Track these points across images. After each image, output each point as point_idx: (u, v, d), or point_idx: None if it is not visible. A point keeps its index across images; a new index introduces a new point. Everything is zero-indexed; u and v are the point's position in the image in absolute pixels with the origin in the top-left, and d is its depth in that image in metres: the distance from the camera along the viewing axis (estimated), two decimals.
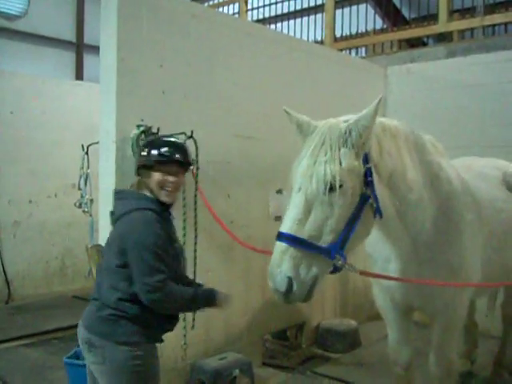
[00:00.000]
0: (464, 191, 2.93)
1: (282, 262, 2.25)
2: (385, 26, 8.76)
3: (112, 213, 2.68)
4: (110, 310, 2.49)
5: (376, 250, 2.99)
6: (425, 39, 10.79)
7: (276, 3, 8.67)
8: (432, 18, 7.77)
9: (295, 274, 2.25)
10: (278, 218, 4.89)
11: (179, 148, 2.72)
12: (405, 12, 9.57)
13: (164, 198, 2.63)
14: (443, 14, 6.13)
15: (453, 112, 5.72)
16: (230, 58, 4.38)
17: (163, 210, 2.63)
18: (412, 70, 6.17)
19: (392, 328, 3.28)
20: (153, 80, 3.79)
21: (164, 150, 2.65)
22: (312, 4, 8.26)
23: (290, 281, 2.24)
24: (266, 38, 4.74)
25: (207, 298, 2.62)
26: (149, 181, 2.60)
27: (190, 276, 3.24)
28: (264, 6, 8.96)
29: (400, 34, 6.80)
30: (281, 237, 2.29)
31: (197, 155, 3.77)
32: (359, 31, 8.09)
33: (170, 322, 2.66)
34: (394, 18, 8.93)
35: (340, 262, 2.30)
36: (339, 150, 2.33)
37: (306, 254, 2.27)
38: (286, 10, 8.67)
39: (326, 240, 2.28)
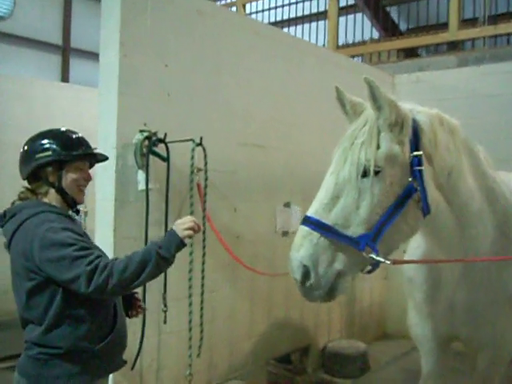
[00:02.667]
0: None
1: (300, 248, 2.01)
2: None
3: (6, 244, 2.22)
4: (38, 347, 2.09)
5: (421, 273, 2.68)
6: (419, 50, 10.67)
7: (276, 8, 8.38)
8: (428, 28, 7.59)
9: (313, 264, 2.00)
10: (286, 234, 4.56)
11: (84, 139, 2.37)
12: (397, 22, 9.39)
13: (81, 197, 2.31)
14: (454, 22, 5.90)
15: (465, 123, 5.43)
16: (237, 59, 4.04)
17: (67, 210, 2.29)
18: (421, 78, 5.90)
19: (428, 360, 2.94)
20: (157, 81, 3.43)
21: (76, 142, 2.30)
22: (314, 10, 7.98)
23: (306, 269, 2.00)
24: (275, 39, 4.42)
25: (168, 240, 2.13)
26: (55, 182, 2.22)
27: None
28: (263, 10, 8.65)
29: (408, 41, 6.56)
30: (306, 220, 2.07)
31: (206, 164, 3.43)
32: (361, 39, 7.82)
33: (119, 343, 2.26)
34: (391, 29, 8.74)
35: (371, 255, 2.01)
36: (379, 132, 2.09)
37: (331, 242, 2.01)
38: (286, 16, 8.38)
39: (354, 231, 2.03)
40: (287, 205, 4.57)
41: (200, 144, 3.34)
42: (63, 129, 2.38)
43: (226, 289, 3.99)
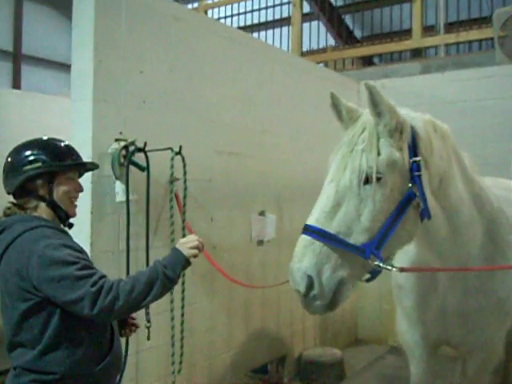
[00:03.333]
0: (503, 214, 2.66)
1: (303, 257, 1.95)
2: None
3: None
4: (30, 374, 1.92)
5: (410, 279, 2.67)
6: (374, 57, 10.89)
7: (238, 14, 8.32)
8: (382, 36, 7.73)
9: (317, 273, 1.94)
10: (261, 243, 4.50)
11: (72, 147, 2.27)
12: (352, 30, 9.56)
13: (74, 210, 2.19)
14: (417, 29, 6.01)
15: None
16: (213, 66, 3.96)
17: (60, 225, 2.16)
18: (387, 85, 5.95)
19: (417, 366, 2.93)
20: (133, 87, 3.30)
21: (65, 150, 2.18)
22: (277, 16, 7.98)
23: (310, 280, 1.94)
24: (249, 46, 4.36)
25: (173, 260, 2.07)
26: (46, 195, 2.07)
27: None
28: (225, 17, 8.56)
29: (373, 49, 6.63)
30: (306, 229, 2.02)
31: (185, 173, 3.32)
32: (325, 46, 7.88)
33: (115, 365, 2.14)
34: (345, 36, 8.89)
35: (376, 263, 1.99)
36: (378, 139, 2.07)
37: (334, 251, 1.97)
38: (249, 22, 8.33)
39: (357, 239, 2.00)
40: (262, 213, 4.50)
41: (179, 153, 3.23)
42: (47, 138, 2.23)
43: (205, 301, 3.89)
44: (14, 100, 7.10)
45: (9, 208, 2.11)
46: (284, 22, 7.94)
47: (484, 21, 7.27)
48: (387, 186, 2.04)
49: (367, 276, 2.16)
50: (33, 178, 2.07)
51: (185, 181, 3.31)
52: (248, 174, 4.35)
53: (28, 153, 2.10)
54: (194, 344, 3.74)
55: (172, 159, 3.21)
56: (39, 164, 2.07)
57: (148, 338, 3.09)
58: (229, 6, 8.14)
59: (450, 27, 7.27)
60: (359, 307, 6.17)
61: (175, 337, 3.23)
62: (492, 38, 5.50)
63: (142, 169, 3.10)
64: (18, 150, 2.14)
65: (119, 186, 3.04)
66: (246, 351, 4.33)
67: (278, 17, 7.93)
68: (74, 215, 2.20)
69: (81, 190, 2.23)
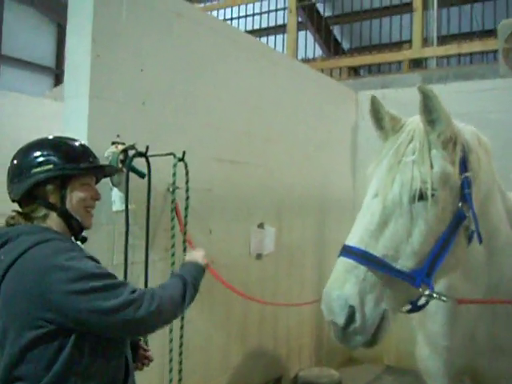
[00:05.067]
0: None
1: (344, 284, 1.68)
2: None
3: None
4: None
5: (435, 303, 2.44)
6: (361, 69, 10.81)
7: (231, 19, 8.09)
8: (371, 48, 7.60)
9: (360, 303, 1.68)
10: (259, 257, 4.24)
11: (89, 148, 1.99)
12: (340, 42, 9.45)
13: (90, 221, 1.91)
14: (417, 40, 5.87)
15: None
16: (214, 68, 3.71)
17: (72, 237, 1.91)
18: (387, 95, 5.77)
19: None
20: (132, 86, 3.03)
21: (80, 151, 1.89)
22: (272, 24, 7.79)
23: (352, 311, 1.67)
24: (251, 48, 4.12)
25: (191, 269, 2.08)
26: (57, 203, 1.79)
27: None
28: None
29: (371, 58, 6.47)
30: (347, 251, 1.75)
31: (187, 181, 3.05)
32: (310, 56, 7.69)
33: None
34: (334, 47, 8.77)
35: (427, 292, 1.75)
36: (430, 150, 1.83)
37: (380, 278, 1.71)
38: (242, 28, 8.10)
39: (404, 264, 1.74)
40: (261, 226, 4.25)
41: (182, 159, 2.96)
42: (60, 136, 1.94)
43: (201, 319, 3.60)
44: None
45: (12, 218, 1.81)
46: (279, 29, 7.75)
47: (473, 35, 7.24)
48: (439, 204, 1.79)
49: (408, 307, 1.94)
50: (43, 182, 1.77)
51: (187, 190, 3.04)
52: (248, 183, 4.10)
53: (37, 154, 1.80)
54: (190, 365, 3.45)
55: (175, 166, 2.94)
56: (50, 166, 1.77)
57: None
58: (222, 11, 7.92)
59: (443, 40, 7.21)
60: None
61: (173, 359, 2.94)
62: (495, 51, 5.38)
63: (141, 175, 2.82)
64: (26, 151, 1.84)
65: (116, 194, 2.76)
66: (243, 373, 4.05)
67: (272, 24, 7.73)
68: (89, 227, 1.90)
69: (98, 198, 1.93)
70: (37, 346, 1.62)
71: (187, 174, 3.03)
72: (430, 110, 1.83)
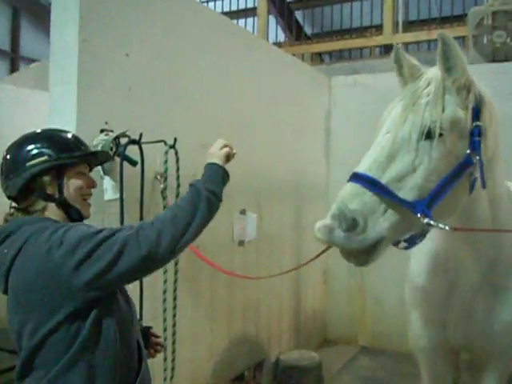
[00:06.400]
0: None
1: (350, 203, 1.78)
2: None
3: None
4: None
5: (435, 278, 2.51)
6: (325, 55, 10.86)
7: (201, 2, 7.94)
8: (332, 34, 7.64)
9: (363, 219, 1.76)
10: (242, 243, 4.25)
11: (79, 137, 1.98)
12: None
13: (88, 210, 1.91)
14: (388, 26, 5.95)
15: None
16: (198, 54, 3.65)
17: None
18: (359, 81, 5.87)
19: (432, 375, 2.78)
20: (119, 72, 2.96)
21: (72, 141, 1.89)
22: (242, 6, 7.71)
23: (355, 221, 1.75)
24: (233, 33, 4.08)
25: (209, 174, 2.00)
26: (55, 194, 1.79)
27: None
28: None
29: (342, 43, 6.51)
30: (355, 177, 1.86)
31: (178, 169, 3.02)
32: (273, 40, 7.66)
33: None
34: (296, 32, 8.80)
35: (426, 220, 1.83)
36: (443, 94, 1.93)
37: (383, 202, 1.82)
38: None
39: (406, 195, 1.85)
40: (243, 212, 4.25)
41: (173, 146, 2.93)
42: (50, 128, 1.92)
43: (188, 307, 3.59)
44: None
45: (11, 214, 1.79)
46: (245, 13, 7.69)
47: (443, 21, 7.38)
48: (446, 145, 1.90)
49: (404, 244, 2.04)
50: (38, 174, 1.75)
51: (178, 177, 3.01)
52: (231, 169, 4.06)
53: (30, 147, 1.78)
54: (178, 354, 3.44)
55: (166, 153, 2.90)
56: (45, 157, 1.75)
57: None
58: None
59: (409, 26, 7.32)
60: (327, 306, 6.05)
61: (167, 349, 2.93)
62: (464, 37, 5.51)
63: (133, 164, 2.76)
64: (18, 146, 1.82)
65: (108, 183, 2.71)
66: (227, 358, 4.08)
67: (241, 7, 7.66)
68: (87, 216, 1.89)
69: (94, 185, 1.92)
70: (54, 335, 1.61)
71: (178, 161, 2.99)
72: (447, 57, 1.92)
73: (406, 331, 2.93)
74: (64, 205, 1.79)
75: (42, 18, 12.91)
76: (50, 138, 1.83)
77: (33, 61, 10.83)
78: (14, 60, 12.84)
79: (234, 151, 2.11)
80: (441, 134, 1.88)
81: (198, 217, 1.76)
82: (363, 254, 1.83)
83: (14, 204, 1.82)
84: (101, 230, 1.67)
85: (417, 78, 2.05)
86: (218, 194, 1.90)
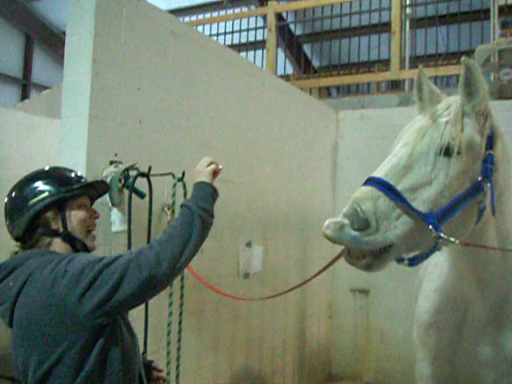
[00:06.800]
0: None
1: (363, 204, 1.77)
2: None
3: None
4: None
5: (442, 316, 2.48)
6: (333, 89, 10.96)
7: (210, 36, 8.09)
8: (340, 67, 7.75)
9: (375, 220, 1.76)
10: (247, 276, 4.23)
11: (77, 173, 2.04)
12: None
13: (93, 242, 1.96)
14: (395, 62, 6.02)
15: None
16: (206, 87, 3.71)
17: None
18: (366, 115, 5.93)
19: None
20: (129, 105, 3.00)
21: (71, 176, 1.95)
22: (251, 39, 7.85)
23: (367, 222, 1.75)
24: (240, 67, 4.15)
25: (198, 192, 1.95)
26: (59, 228, 1.82)
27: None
28: None
29: (350, 78, 6.60)
30: (371, 181, 1.87)
31: None
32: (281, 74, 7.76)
33: None
34: (304, 65, 8.94)
35: (437, 233, 1.83)
36: (463, 117, 1.98)
37: (397, 208, 1.82)
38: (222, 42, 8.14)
39: (419, 206, 1.86)
40: (249, 244, 4.24)
41: (181, 179, 2.94)
42: (49, 167, 1.96)
43: (192, 340, 3.55)
44: None
45: (16, 253, 1.82)
46: (253, 46, 7.82)
47: (449, 56, 7.48)
48: (462, 165, 1.93)
49: (407, 261, 2.00)
50: (41, 211, 1.80)
51: None
52: (237, 202, 4.10)
53: (32, 186, 1.84)
54: None
55: (174, 186, 2.92)
56: (46, 194, 1.80)
57: None
58: (205, 26, 7.94)
59: (416, 60, 7.41)
60: (332, 341, 5.97)
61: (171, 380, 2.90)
62: None
63: (142, 196, 2.78)
64: (20, 186, 1.87)
65: (116, 215, 2.71)
66: None
67: (248, 40, 7.80)
68: (93, 248, 1.93)
69: (97, 216, 1.97)
70: (58, 367, 1.61)
71: (185, 194, 3.00)
72: (470, 82, 1.96)
73: (410, 369, 2.89)
74: (69, 238, 1.81)
75: (54, 46, 13.22)
76: (50, 174, 1.89)
77: (44, 88, 11.04)
78: (26, 87, 13.09)
79: (220, 166, 2.12)
80: (458, 153, 1.92)
81: (194, 235, 1.78)
82: (370, 257, 1.83)
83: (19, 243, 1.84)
84: (102, 258, 1.70)
85: (434, 104, 2.10)
86: (210, 210, 1.90)
